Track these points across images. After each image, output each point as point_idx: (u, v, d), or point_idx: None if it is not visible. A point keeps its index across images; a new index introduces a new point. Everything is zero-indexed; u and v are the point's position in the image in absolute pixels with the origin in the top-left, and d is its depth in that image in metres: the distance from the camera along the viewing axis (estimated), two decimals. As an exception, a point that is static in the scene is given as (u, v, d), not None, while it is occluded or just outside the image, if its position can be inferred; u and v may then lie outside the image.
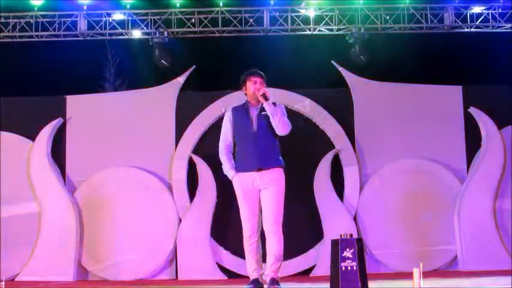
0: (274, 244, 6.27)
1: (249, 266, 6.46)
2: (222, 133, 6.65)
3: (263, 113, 6.38)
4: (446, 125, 9.59)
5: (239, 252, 8.38)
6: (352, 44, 10.00)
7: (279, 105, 6.49)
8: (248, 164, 6.37)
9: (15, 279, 9.14)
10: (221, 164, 6.65)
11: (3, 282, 5.69)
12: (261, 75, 6.49)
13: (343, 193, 9.39)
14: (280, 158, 6.48)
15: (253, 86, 6.42)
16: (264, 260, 6.48)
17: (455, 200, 9.33)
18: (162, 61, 9.96)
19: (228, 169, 6.50)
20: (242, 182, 6.38)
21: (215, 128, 9.30)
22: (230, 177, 6.50)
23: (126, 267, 9.25)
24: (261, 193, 6.34)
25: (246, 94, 6.56)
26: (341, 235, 5.55)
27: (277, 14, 10.06)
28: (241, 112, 6.51)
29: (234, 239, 8.13)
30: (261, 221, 6.37)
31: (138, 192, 9.40)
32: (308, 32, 10.16)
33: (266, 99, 6.32)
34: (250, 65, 6.83)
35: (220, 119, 6.64)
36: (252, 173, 6.34)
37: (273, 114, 6.29)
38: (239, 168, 6.44)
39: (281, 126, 6.31)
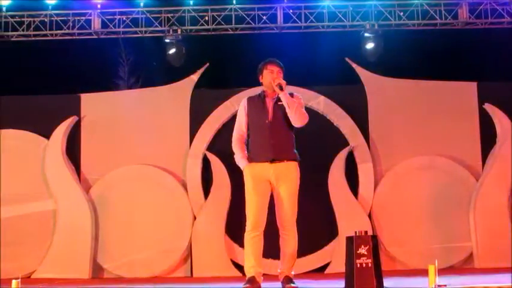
0: (289, 241, 6.14)
1: (246, 262, 6.17)
2: (236, 123, 6.42)
3: (279, 103, 6.15)
4: (461, 121, 9.56)
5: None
6: (366, 41, 9.96)
7: (296, 96, 6.28)
8: (261, 154, 6.14)
9: (31, 277, 9.20)
10: (234, 157, 6.42)
11: (20, 280, 5.71)
12: (278, 65, 6.29)
13: (358, 190, 9.38)
14: (295, 151, 6.24)
15: (270, 75, 6.22)
16: (277, 257, 6.38)
17: (470, 197, 9.30)
18: (176, 59, 9.96)
19: (240, 158, 6.27)
20: (254, 173, 6.15)
21: (229, 125, 9.31)
22: (242, 167, 6.26)
23: (141, 264, 9.28)
24: (275, 188, 6.14)
25: (262, 83, 6.36)
26: (356, 232, 5.53)
27: (291, 11, 10.04)
28: (256, 102, 6.31)
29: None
30: (266, 216, 6.15)
31: (152, 189, 9.44)
32: (322, 29, 10.14)
33: (281, 89, 6.11)
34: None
35: (234, 117, 6.56)
36: (265, 164, 6.12)
37: (288, 105, 6.07)
38: (252, 158, 6.21)
39: (297, 118, 6.09)
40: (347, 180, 9.35)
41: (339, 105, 9.54)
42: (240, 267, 8.94)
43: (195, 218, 9.35)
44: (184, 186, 9.48)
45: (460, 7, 9.94)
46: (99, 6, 10.02)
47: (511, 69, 10.10)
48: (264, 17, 10.02)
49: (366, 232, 5.53)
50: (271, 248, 6.49)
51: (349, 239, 5.54)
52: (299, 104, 6.18)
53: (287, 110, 6.11)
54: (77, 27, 10.05)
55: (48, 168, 9.50)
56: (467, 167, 9.45)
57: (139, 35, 10.22)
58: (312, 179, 8.63)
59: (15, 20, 9.99)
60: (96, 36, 10.20)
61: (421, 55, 10.94)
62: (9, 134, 9.61)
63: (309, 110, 9.18)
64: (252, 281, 6.04)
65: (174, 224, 9.36)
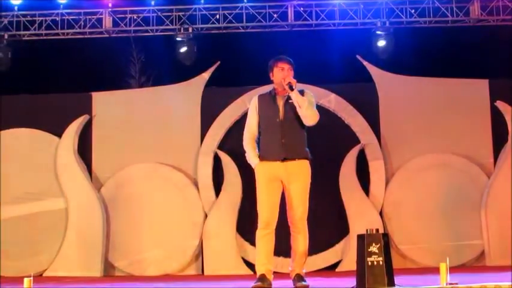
0: (300, 239, 6.13)
1: (257, 260, 6.15)
2: (247, 121, 6.38)
3: (290, 101, 6.11)
4: (473, 118, 9.53)
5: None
6: (377, 38, 9.93)
7: (307, 94, 6.22)
8: (273, 153, 6.10)
9: (43, 275, 9.24)
10: (245, 156, 6.36)
11: (32, 278, 5.73)
12: (288, 62, 6.23)
13: (369, 188, 9.36)
14: (307, 149, 6.19)
15: (281, 73, 6.16)
16: (288, 255, 6.39)
17: (482, 195, 9.26)
18: (187, 57, 9.97)
19: (252, 156, 6.23)
20: (265, 171, 6.12)
21: (240, 123, 9.32)
22: (253, 165, 6.22)
23: (152, 262, 9.31)
24: (286, 186, 6.11)
25: (273, 81, 6.29)
26: (367, 230, 5.52)
27: (302, 9, 10.02)
28: (267, 100, 6.25)
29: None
30: (278, 214, 6.12)
31: (164, 188, 9.46)
32: (333, 27, 10.12)
33: (291, 88, 6.04)
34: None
35: (245, 115, 6.54)
36: (276, 163, 6.09)
37: (299, 104, 6.02)
38: (263, 157, 6.16)
39: (308, 117, 6.06)
40: (358, 177, 9.34)
41: (350, 102, 9.53)
42: (251, 265, 8.94)
43: (206, 216, 9.36)
44: (196, 184, 9.49)
45: (471, 4, 9.89)
46: (110, 5, 10.03)
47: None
48: (275, 15, 10.01)
49: (377, 230, 5.51)
50: (282, 246, 6.49)
51: (360, 237, 5.53)
52: (310, 102, 6.15)
53: (298, 110, 6.08)
54: (88, 26, 10.07)
55: (59, 167, 9.53)
56: (478, 164, 9.42)
57: (151, 34, 10.24)
58: (322, 177, 8.64)
59: (26, 19, 10.02)
60: (107, 35, 10.22)
61: (432, 52, 10.89)
62: (21, 132, 9.65)
63: (320, 108, 9.19)
64: (263, 279, 6.02)
65: (185, 222, 9.38)
